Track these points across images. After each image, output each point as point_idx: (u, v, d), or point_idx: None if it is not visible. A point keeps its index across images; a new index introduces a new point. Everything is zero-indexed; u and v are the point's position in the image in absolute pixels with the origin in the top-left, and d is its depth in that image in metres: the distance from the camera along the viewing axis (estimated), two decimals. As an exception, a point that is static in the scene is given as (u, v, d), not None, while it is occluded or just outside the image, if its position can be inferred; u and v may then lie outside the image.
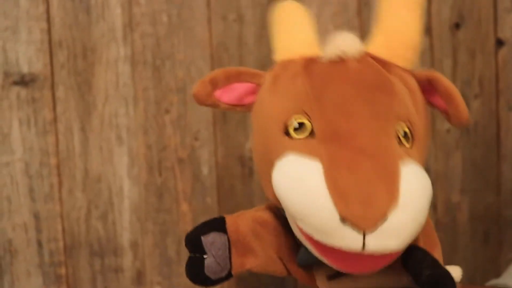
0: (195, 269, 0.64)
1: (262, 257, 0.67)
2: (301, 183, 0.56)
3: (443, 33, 0.98)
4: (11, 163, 0.92)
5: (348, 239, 0.54)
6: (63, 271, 0.94)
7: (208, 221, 0.66)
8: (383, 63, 0.63)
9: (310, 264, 0.66)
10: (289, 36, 0.68)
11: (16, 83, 0.91)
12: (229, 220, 0.66)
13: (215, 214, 0.96)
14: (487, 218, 1.02)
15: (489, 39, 1.00)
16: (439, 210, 1.01)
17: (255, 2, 0.95)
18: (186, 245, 0.65)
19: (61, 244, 0.94)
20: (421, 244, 0.62)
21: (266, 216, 0.67)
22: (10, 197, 0.92)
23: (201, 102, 0.67)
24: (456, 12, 0.99)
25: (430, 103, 0.65)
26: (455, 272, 0.70)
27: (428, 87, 0.64)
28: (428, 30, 0.98)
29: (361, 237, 0.53)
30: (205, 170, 0.96)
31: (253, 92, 0.68)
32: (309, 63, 0.64)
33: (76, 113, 0.93)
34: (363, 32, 0.96)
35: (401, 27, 0.64)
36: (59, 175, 0.93)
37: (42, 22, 0.91)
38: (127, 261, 0.95)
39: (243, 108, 0.68)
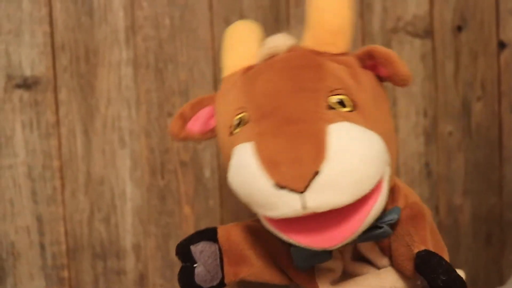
0: (186, 277, 0.65)
1: (257, 266, 0.67)
2: (239, 166, 0.58)
3: (445, 35, 0.98)
4: (14, 165, 0.92)
5: (287, 203, 0.55)
6: (65, 273, 0.94)
7: (199, 231, 0.67)
8: (315, 52, 0.64)
9: (308, 265, 0.66)
10: (233, 53, 0.70)
11: (19, 86, 0.91)
12: (221, 230, 0.67)
13: (217, 217, 0.96)
14: (490, 219, 1.02)
15: (492, 42, 1.00)
16: (442, 212, 1.01)
17: (257, 4, 0.95)
18: (176, 254, 0.66)
19: (63, 246, 0.94)
20: (431, 247, 0.62)
21: (260, 226, 0.68)
22: (12, 200, 0.92)
23: (175, 137, 0.71)
24: (458, 14, 0.99)
25: (378, 77, 0.66)
26: (459, 275, 0.70)
27: (370, 63, 0.65)
28: (430, 32, 0.98)
29: (298, 197, 0.54)
30: (207, 172, 0.96)
31: (213, 114, 0.71)
32: (247, 70, 0.67)
33: (78, 116, 0.93)
34: (365, 35, 0.97)
35: (324, 16, 0.65)
36: (61, 177, 0.93)
37: (45, 25, 0.91)
38: (130, 263, 0.95)
39: (212, 133, 0.71)
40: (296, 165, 0.55)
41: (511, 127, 1.01)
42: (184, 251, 0.65)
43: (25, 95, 0.92)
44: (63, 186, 0.93)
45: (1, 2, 0.90)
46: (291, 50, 0.65)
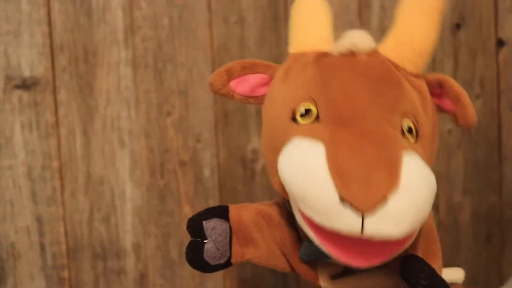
0: (194, 252, 0.65)
1: (263, 249, 0.67)
2: (303, 163, 0.56)
3: (444, 33, 0.98)
4: (13, 166, 0.92)
5: (346, 221, 0.53)
6: (66, 274, 0.94)
7: (211, 207, 0.67)
8: (394, 65, 0.63)
9: (313, 260, 0.66)
10: (305, 30, 0.68)
11: (18, 86, 0.92)
12: (233, 209, 0.67)
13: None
14: (489, 218, 1.02)
15: (490, 40, 1.00)
16: (441, 211, 1.01)
17: (256, 4, 0.95)
18: (187, 228, 0.65)
19: (63, 247, 0.94)
20: (420, 252, 0.62)
21: (271, 210, 0.68)
22: (12, 200, 0.92)
23: (216, 91, 0.68)
24: (457, 12, 0.99)
25: (439, 107, 0.66)
26: (458, 274, 0.70)
27: (437, 91, 0.65)
28: (429, 31, 0.98)
29: (359, 219, 0.53)
30: (207, 172, 0.96)
31: (266, 83, 0.69)
32: (320, 56, 0.64)
33: (78, 116, 0.93)
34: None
35: (413, 33, 0.63)
36: (61, 178, 0.93)
37: (44, 25, 0.92)
38: (130, 263, 0.95)
39: (255, 100, 0.69)
40: (367, 186, 0.53)
41: (511, 125, 1.01)
42: (195, 226, 0.64)
43: (24, 95, 0.92)
44: (62, 186, 0.93)
45: (0, 3, 0.91)
46: (371, 54, 0.63)
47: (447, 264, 0.70)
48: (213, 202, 0.96)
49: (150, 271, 0.96)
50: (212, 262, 0.65)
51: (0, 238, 0.93)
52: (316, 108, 0.60)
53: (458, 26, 0.99)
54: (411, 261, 0.59)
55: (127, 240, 0.95)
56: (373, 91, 0.60)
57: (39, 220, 0.93)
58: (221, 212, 0.66)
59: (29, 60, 0.91)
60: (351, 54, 0.63)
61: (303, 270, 0.67)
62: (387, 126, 0.58)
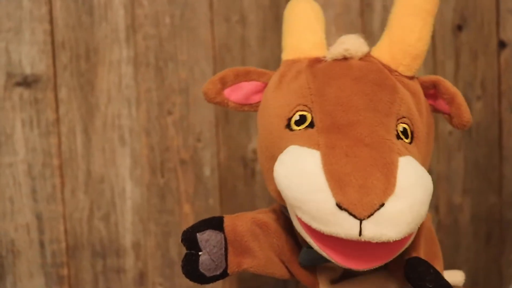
0: (190, 265, 0.65)
1: (260, 258, 0.67)
2: (299, 170, 0.57)
3: (445, 35, 0.98)
4: (13, 164, 0.92)
5: (344, 225, 0.54)
6: (65, 272, 0.94)
7: (206, 219, 0.67)
8: (388, 69, 0.64)
9: (313, 265, 0.66)
10: (298, 36, 0.68)
11: (19, 84, 0.91)
12: (228, 220, 0.67)
13: (217, 215, 0.95)
14: (489, 219, 1.02)
15: (492, 41, 1.00)
16: (441, 211, 1.01)
17: (258, 4, 0.95)
18: (182, 241, 0.65)
19: (63, 245, 0.94)
20: (422, 254, 0.62)
21: (267, 218, 0.68)
22: (12, 198, 0.92)
23: (210, 99, 0.68)
24: (458, 14, 0.99)
25: (433, 108, 0.66)
26: (458, 277, 0.70)
27: (432, 92, 0.65)
28: (430, 31, 0.98)
29: (357, 223, 0.54)
30: (207, 171, 0.96)
31: (260, 91, 0.69)
32: (314, 62, 0.65)
33: (78, 114, 0.93)
34: (366, 34, 0.97)
35: (406, 36, 0.64)
36: (61, 176, 0.93)
37: (45, 23, 0.91)
38: (129, 262, 0.95)
39: (250, 108, 0.70)
40: (365, 192, 0.54)
41: (511, 126, 1.01)
42: (190, 238, 0.65)
43: (25, 93, 0.92)
44: (63, 184, 0.93)
45: (2, 0, 0.90)
46: (365, 58, 0.64)
47: (447, 264, 0.70)
48: (213, 201, 0.96)
49: (149, 269, 0.96)
50: (208, 274, 0.65)
51: (0, 235, 0.92)
52: (311, 115, 0.61)
53: (459, 28, 0.99)
54: (416, 264, 0.59)
55: (127, 239, 0.95)
56: (367, 96, 0.60)
57: (39, 217, 0.93)
58: (216, 223, 0.66)
59: (30, 57, 0.91)
60: (344, 59, 0.64)
61: (302, 276, 0.67)
62: (382, 131, 0.58)
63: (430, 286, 0.57)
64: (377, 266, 0.58)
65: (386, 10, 0.97)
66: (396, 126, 0.60)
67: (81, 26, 0.92)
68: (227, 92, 0.69)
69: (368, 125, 0.58)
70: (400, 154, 0.57)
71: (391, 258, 0.58)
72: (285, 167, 0.58)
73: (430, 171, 1.00)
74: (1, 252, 0.93)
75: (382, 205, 0.54)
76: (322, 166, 0.55)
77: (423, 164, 0.60)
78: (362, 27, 0.96)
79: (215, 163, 0.96)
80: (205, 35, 0.94)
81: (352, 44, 0.64)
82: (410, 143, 0.61)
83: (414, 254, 0.62)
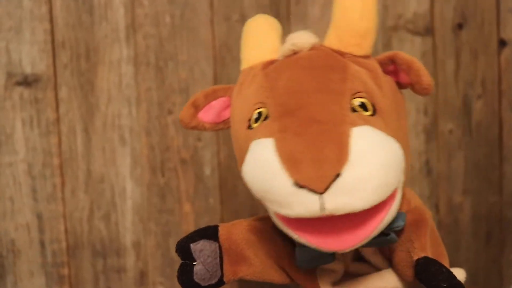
0: (185, 275, 0.65)
1: (257, 266, 0.67)
2: (256, 161, 0.58)
3: (445, 33, 0.98)
4: (14, 163, 0.92)
5: (306, 203, 0.54)
6: (65, 271, 0.94)
7: (200, 229, 0.67)
8: (338, 52, 0.64)
9: (311, 266, 0.66)
10: (253, 47, 0.69)
11: (19, 83, 0.91)
12: (222, 228, 0.67)
13: (217, 215, 0.96)
14: (490, 218, 1.02)
15: (492, 40, 0.99)
16: (441, 211, 1.01)
17: (258, 3, 0.95)
18: (176, 251, 0.66)
19: (63, 244, 0.94)
20: (430, 254, 0.62)
21: (263, 225, 0.68)
22: (13, 197, 0.92)
23: (186, 125, 0.70)
24: (459, 12, 0.98)
25: (399, 84, 0.66)
26: (459, 274, 0.70)
27: (392, 68, 0.65)
28: (431, 30, 0.98)
29: (317, 198, 0.54)
30: (207, 170, 0.96)
31: (228, 105, 0.70)
32: (267, 64, 0.66)
33: (79, 114, 0.93)
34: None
35: (350, 16, 0.64)
36: (62, 175, 0.93)
37: (45, 22, 0.91)
38: (130, 261, 0.95)
39: (224, 125, 0.71)
40: (318, 165, 0.54)
41: (511, 126, 1.01)
42: (183, 249, 0.65)
43: (25, 92, 0.92)
44: (63, 184, 0.93)
45: (2, 0, 0.90)
46: (314, 48, 0.64)
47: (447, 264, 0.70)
48: (213, 201, 0.96)
49: (150, 269, 0.96)
50: (203, 283, 0.65)
51: (0, 235, 0.92)
52: (266, 109, 0.61)
53: (460, 26, 0.99)
54: (428, 264, 0.59)
55: (127, 238, 0.95)
56: (316, 79, 0.61)
57: (39, 217, 0.93)
58: (210, 233, 0.66)
59: (30, 57, 0.91)
60: (294, 54, 0.64)
61: (303, 280, 0.67)
62: (334, 107, 0.58)
63: (445, 285, 0.57)
64: (359, 245, 0.57)
65: (386, 9, 0.97)
66: (351, 101, 0.60)
67: (81, 25, 0.92)
68: (200, 115, 0.70)
69: (319, 104, 0.58)
70: (354, 125, 0.57)
71: (371, 234, 0.57)
72: (247, 163, 0.59)
73: (430, 170, 1.01)
74: (2, 252, 0.93)
75: (339, 175, 0.53)
76: (275, 150, 0.56)
77: (396, 137, 0.59)
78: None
79: (215, 163, 0.96)
80: (206, 35, 0.94)
81: (298, 38, 0.65)
82: (372, 115, 0.60)
83: (422, 254, 0.62)
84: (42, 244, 0.93)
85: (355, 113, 0.59)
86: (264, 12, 0.94)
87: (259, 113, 0.62)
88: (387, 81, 0.65)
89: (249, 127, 0.63)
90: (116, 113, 0.93)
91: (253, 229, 0.67)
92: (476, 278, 1.01)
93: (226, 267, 0.66)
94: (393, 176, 0.56)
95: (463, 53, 0.99)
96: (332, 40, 0.65)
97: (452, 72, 0.99)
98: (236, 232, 0.67)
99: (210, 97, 0.70)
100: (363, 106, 0.60)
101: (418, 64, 0.62)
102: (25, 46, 0.91)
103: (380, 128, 0.58)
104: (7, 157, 0.92)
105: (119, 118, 0.93)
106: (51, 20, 0.92)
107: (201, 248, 0.65)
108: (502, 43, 1.00)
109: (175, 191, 0.95)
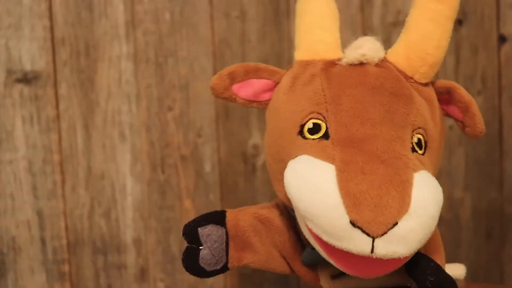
0: (190, 259, 0.65)
1: (261, 253, 0.67)
2: (313, 183, 0.56)
3: (445, 29, 0.98)
4: (14, 160, 0.92)
5: (357, 242, 0.54)
6: (66, 268, 0.94)
7: (208, 213, 0.67)
8: (401, 73, 0.63)
9: (315, 263, 0.66)
10: (311, 35, 0.66)
11: (19, 80, 0.91)
12: (230, 214, 0.67)
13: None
14: (490, 214, 1.02)
15: (492, 36, 0.99)
16: (442, 207, 1.00)
17: (257, -1, 0.95)
18: (183, 235, 0.66)
19: (64, 241, 0.94)
20: (423, 249, 0.62)
21: (270, 214, 0.68)
22: (13, 194, 0.92)
23: (217, 94, 0.67)
24: (459, 8, 0.98)
25: (446, 113, 0.65)
26: (459, 270, 0.71)
27: (445, 97, 0.64)
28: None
29: (370, 241, 0.54)
30: (208, 167, 0.96)
31: (270, 89, 0.68)
32: (329, 66, 0.63)
33: (79, 111, 0.93)
34: (365, 28, 0.97)
35: (425, 43, 0.62)
36: (62, 172, 0.93)
37: (45, 19, 0.91)
38: (130, 258, 0.95)
39: (258, 105, 0.68)
40: (380, 211, 0.53)
41: (511, 122, 1.01)
42: (191, 232, 0.65)
43: (25, 89, 0.92)
44: (63, 180, 0.93)
45: (1, -3, 0.91)
46: (382, 65, 0.63)
47: (448, 259, 0.70)
48: (213, 197, 0.96)
49: (150, 265, 0.96)
50: (208, 268, 0.65)
51: (1, 232, 0.93)
52: (326, 124, 0.60)
53: (460, 22, 0.98)
54: (417, 259, 0.59)
55: (128, 235, 0.95)
56: (384, 107, 0.59)
57: (39, 214, 0.93)
58: (218, 218, 0.66)
59: (30, 54, 0.91)
60: (360, 64, 0.62)
61: (303, 272, 0.67)
62: (398, 146, 0.58)
63: (432, 279, 0.58)
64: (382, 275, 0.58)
65: (386, 5, 0.97)
66: (412, 138, 0.59)
67: (80, 22, 0.92)
68: (235, 87, 0.67)
69: (385, 140, 0.58)
70: (415, 170, 0.56)
71: (398, 267, 0.58)
72: (298, 178, 0.57)
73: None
74: (2, 249, 0.93)
75: (396, 223, 0.53)
76: (337, 182, 0.55)
77: (434, 173, 0.60)
78: (362, 22, 0.96)
79: (215, 159, 0.96)
80: (205, 31, 0.94)
81: (369, 49, 0.63)
82: (423, 154, 0.60)
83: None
84: (42, 241, 0.93)
85: (414, 153, 0.59)
86: (264, 8, 0.94)
87: (316, 124, 0.60)
88: (441, 114, 0.64)
89: (301, 133, 0.61)
90: (116, 110, 0.93)
91: (260, 217, 0.67)
92: (476, 273, 1.01)
93: (231, 253, 0.66)
94: (436, 224, 0.57)
95: (463, 48, 0.99)
96: (400, 59, 0.63)
97: (452, 68, 0.99)
98: (244, 219, 0.67)
99: (251, 74, 0.67)
100: (419, 143, 0.60)
101: (476, 108, 0.62)
102: (24, 43, 0.91)
103: (429, 169, 0.58)
104: (7, 154, 0.92)
105: (119, 115, 0.93)
106: (51, 17, 0.92)
107: (209, 233, 0.65)
108: (502, 39, 0.99)
109: (176, 188, 0.95)
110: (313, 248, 0.61)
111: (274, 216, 0.67)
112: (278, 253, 0.67)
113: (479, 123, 0.62)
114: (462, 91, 0.63)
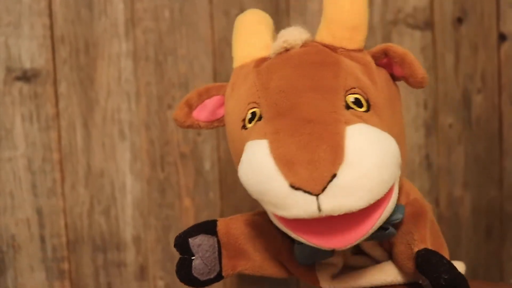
0: (183, 269, 0.65)
1: (256, 260, 0.67)
2: (253, 164, 0.57)
3: (445, 27, 0.98)
4: (13, 158, 0.92)
5: (302, 204, 0.54)
6: (66, 266, 0.94)
7: (199, 223, 0.67)
8: (330, 47, 0.64)
9: (310, 261, 0.66)
10: (244, 44, 0.69)
11: (18, 78, 0.91)
12: (221, 223, 0.67)
13: (217, 209, 0.96)
14: (490, 212, 1.02)
15: (492, 34, 0.99)
16: (442, 205, 1.01)
17: (257, -3, 0.95)
18: (174, 246, 0.66)
19: (64, 239, 0.94)
20: (430, 246, 0.62)
21: (261, 219, 0.68)
22: (13, 192, 0.92)
23: (181, 124, 0.70)
24: (458, 6, 0.98)
25: (392, 76, 0.66)
26: (459, 267, 0.70)
27: (385, 61, 0.65)
28: (430, 24, 0.98)
29: (314, 199, 0.53)
30: (207, 165, 0.96)
31: (222, 104, 0.70)
32: (259, 62, 0.65)
33: (78, 109, 0.93)
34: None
35: (341, 10, 0.64)
36: (61, 170, 0.93)
37: (45, 17, 0.91)
38: (130, 256, 0.95)
39: (219, 123, 0.71)
40: (313, 166, 0.53)
41: (511, 120, 1.01)
42: (182, 243, 0.65)
43: (25, 87, 0.92)
44: (63, 178, 0.93)
45: (1, -5, 0.91)
46: (306, 44, 0.64)
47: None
48: (213, 195, 0.96)
49: (150, 263, 0.96)
50: (202, 278, 0.66)
51: (1, 230, 0.93)
52: (259, 110, 0.61)
53: (459, 20, 0.98)
54: (429, 256, 0.59)
55: (127, 233, 0.95)
56: (308, 77, 0.60)
57: (39, 212, 0.93)
58: (209, 227, 0.66)
59: (29, 52, 0.91)
60: (285, 51, 0.64)
61: (302, 274, 0.67)
62: (326, 105, 0.58)
63: (446, 277, 0.57)
64: (359, 241, 0.57)
65: (386, 3, 0.97)
66: (345, 97, 0.59)
67: (80, 20, 0.92)
68: (195, 114, 0.70)
69: (312, 104, 0.58)
70: (348, 123, 0.56)
71: (370, 230, 0.57)
72: (243, 165, 0.58)
73: (430, 164, 1.01)
74: (2, 247, 0.93)
75: (335, 176, 0.53)
76: (270, 153, 0.56)
77: (391, 132, 0.59)
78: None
79: (215, 157, 0.96)
80: (205, 29, 0.94)
81: (290, 34, 0.64)
82: (366, 111, 0.60)
83: (422, 246, 0.61)
84: (42, 239, 0.93)
85: (350, 110, 0.59)
86: (264, 6, 0.94)
87: (253, 113, 0.62)
88: (381, 75, 0.65)
89: (244, 127, 0.63)
90: (115, 108, 0.93)
91: (252, 224, 0.67)
92: (476, 271, 1.01)
93: (224, 261, 0.66)
94: (389, 173, 0.56)
95: (463, 47, 0.99)
96: (324, 35, 0.64)
97: (452, 66, 0.99)
98: (235, 226, 0.67)
99: (203, 95, 0.70)
100: (357, 102, 0.60)
101: (411, 57, 0.62)
102: (24, 41, 0.91)
103: (374, 124, 0.58)
104: (7, 152, 0.92)
105: (118, 113, 0.93)
106: (50, 15, 0.92)
107: (199, 243, 0.65)
108: (502, 37, 0.99)
109: (175, 186, 0.95)
110: (299, 243, 0.61)
111: (266, 222, 0.67)
112: (273, 258, 0.67)
113: (418, 69, 0.62)
114: (395, 47, 0.63)
